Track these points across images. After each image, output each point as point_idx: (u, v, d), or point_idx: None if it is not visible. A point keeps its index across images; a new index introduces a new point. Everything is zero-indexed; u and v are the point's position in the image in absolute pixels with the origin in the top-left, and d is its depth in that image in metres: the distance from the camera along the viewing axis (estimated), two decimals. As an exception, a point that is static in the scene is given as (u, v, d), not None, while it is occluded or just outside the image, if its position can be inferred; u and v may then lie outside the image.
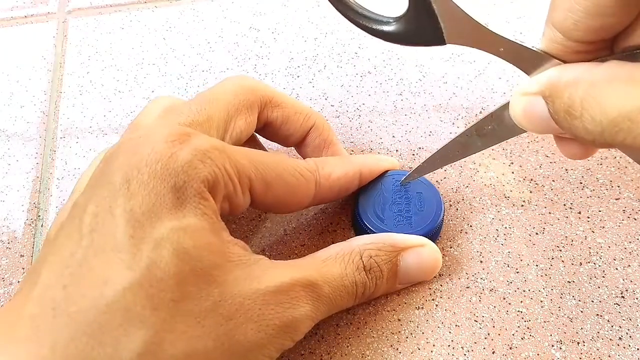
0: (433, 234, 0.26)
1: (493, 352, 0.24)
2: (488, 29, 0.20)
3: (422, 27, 0.21)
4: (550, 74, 0.19)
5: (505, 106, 0.22)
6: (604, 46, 0.19)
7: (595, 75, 0.17)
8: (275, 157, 0.24)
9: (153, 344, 0.17)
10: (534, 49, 0.20)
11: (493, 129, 0.23)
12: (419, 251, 0.25)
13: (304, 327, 0.21)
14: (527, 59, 0.20)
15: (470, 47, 0.21)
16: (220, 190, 0.21)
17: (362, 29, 0.22)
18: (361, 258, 0.23)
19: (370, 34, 0.22)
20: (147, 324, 0.17)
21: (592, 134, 0.17)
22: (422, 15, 0.21)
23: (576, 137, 0.18)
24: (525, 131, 0.21)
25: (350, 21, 0.22)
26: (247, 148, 0.23)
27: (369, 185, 0.27)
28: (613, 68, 0.17)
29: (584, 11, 0.17)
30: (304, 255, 0.24)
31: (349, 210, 0.29)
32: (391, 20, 0.22)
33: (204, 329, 0.18)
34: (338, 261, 0.23)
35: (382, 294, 0.25)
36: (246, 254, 0.21)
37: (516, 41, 0.20)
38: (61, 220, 0.21)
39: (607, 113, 0.16)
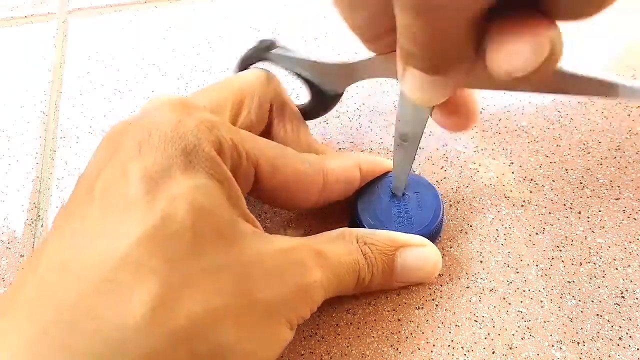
0: (434, 232, 0.26)
1: (493, 352, 0.24)
2: (344, 63, 0.24)
3: (322, 101, 0.27)
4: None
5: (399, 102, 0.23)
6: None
7: None
8: (283, 146, 0.24)
9: (169, 298, 0.16)
10: (367, 59, 0.22)
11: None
12: (419, 250, 0.25)
13: (317, 295, 0.21)
14: (378, 68, 0.23)
15: (355, 82, 0.25)
16: (227, 159, 0.20)
17: None
18: (357, 242, 0.23)
19: None
20: (162, 277, 0.16)
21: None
22: (317, 95, 0.26)
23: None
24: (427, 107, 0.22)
25: None
26: (253, 134, 0.23)
27: (366, 189, 0.27)
28: None
29: (344, 11, 0.18)
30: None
31: (348, 211, 0.29)
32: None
33: (223, 285, 0.18)
34: (339, 240, 0.23)
35: (378, 287, 0.25)
36: (257, 230, 0.21)
37: (356, 61, 0.23)
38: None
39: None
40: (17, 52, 0.39)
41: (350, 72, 0.24)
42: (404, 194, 0.27)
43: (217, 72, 0.37)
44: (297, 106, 0.27)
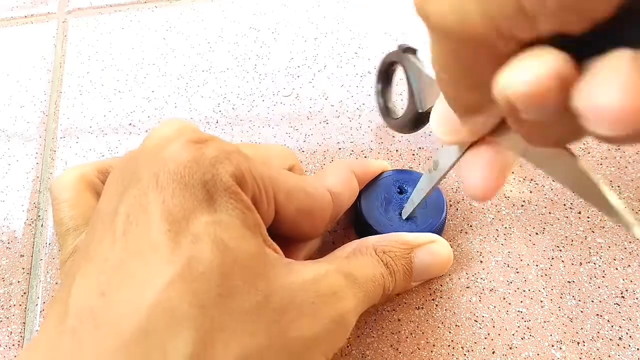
0: (438, 230, 0.26)
1: (493, 352, 0.24)
2: None
3: (415, 118, 0.27)
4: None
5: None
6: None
7: None
8: (290, 172, 0.23)
9: (204, 344, 0.16)
10: None
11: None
12: (431, 247, 0.25)
13: (352, 322, 0.20)
14: None
15: None
16: (248, 189, 0.20)
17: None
18: (377, 253, 0.23)
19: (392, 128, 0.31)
20: (195, 323, 0.16)
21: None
22: (412, 112, 0.27)
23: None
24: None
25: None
26: (264, 162, 0.22)
27: (368, 189, 0.27)
28: None
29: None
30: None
31: (348, 210, 0.29)
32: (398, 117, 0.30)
33: (256, 326, 0.17)
34: (359, 255, 0.22)
35: (399, 292, 0.25)
36: (280, 256, 0.20)
37: None
38: (67, 239, 0.20)
39: None
40: (17, 53, 0.39)
41: None
42: (406, 192, 0.27)
43: (217, 72, 0.37)
44: (392, 119, 0.30)
